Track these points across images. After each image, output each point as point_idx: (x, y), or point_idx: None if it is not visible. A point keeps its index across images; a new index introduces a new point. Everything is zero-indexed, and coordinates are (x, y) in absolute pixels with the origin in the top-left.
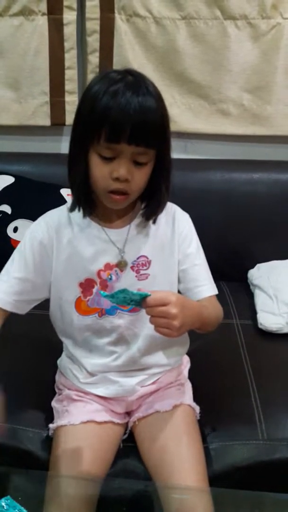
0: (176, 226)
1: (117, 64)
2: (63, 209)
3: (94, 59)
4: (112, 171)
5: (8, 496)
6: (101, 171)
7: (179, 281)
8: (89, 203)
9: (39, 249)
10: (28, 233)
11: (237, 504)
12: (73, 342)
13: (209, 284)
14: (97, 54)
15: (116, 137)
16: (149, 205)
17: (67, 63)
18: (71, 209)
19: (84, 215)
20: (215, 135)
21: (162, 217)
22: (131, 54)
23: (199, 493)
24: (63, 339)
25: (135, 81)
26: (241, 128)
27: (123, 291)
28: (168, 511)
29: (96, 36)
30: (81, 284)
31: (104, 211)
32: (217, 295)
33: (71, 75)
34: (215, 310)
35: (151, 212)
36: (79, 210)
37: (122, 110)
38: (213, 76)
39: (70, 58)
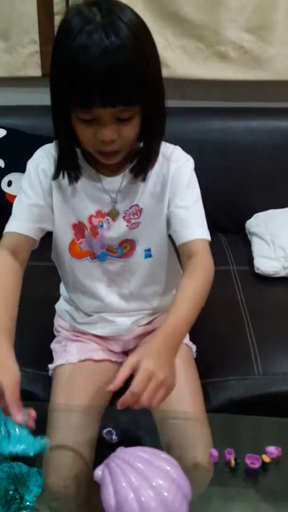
0: (170, 171)
1: None
2: None
3: None
4: (96, 133)
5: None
6: (85, 134)
7: (168, 226)
8: (75, 168)
9: (44, 177)
10: (30, 163)
11: (234, 429)
12: (68, 284)
13: (197, 227)
14: None
15: (87, 103)
16: (138, 163)
17: (56, 8)
18: (54, 177)
19: (70, 182)
20: (213, 81)
21: (157, 165)
22: None
23: (195, 419)
24: (62, 281)
25: (103, 24)
26: (241, 72)
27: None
28: (165, 438)
29: None
30: (74, 226)
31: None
32: (214, 247)
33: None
34: (199, 291)
35: (140, 170)
36: (63, 177)
37: (87, 71)
38: (210, 15)
39: (59, 2)
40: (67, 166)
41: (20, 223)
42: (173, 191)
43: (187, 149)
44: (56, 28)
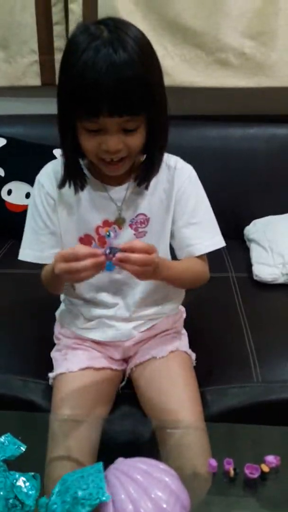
0: (175, 182)
1: (102, 13)
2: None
3: (76, 8)
4: (101, 143)
5: (8, 434)
6: (89, 144)
7: (171, 237)
8: (81, 176)
9: (48, 200)
10: (36, 183)
11: (233, 438)
12: (72, 293)
13: (201, 243)
14: (80, 1)
15: (94, 113)
16: (142, 171)
17: (55, 18)
18: (60, 186)
19: (76, 192)
20: (212, 88)
21: (163, 173)
22: (117, 0)
23: (194, 428)
24: (64, 290)
25: (111, 39)
26: (243, 80)
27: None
28: (164, 447)
29: None
30: (81, 239)
31: None
32: (213, 253)
33: (60, 31)
34: (191, 270)
35: (143, 179)
36: (69, 186)
37: (96, 83)
38: (210, 22)
39: (58, 12)
40: (73, 175)
41: (50, 254)
42: (180, 207)
43: (186, 156)
44: (55, 38)
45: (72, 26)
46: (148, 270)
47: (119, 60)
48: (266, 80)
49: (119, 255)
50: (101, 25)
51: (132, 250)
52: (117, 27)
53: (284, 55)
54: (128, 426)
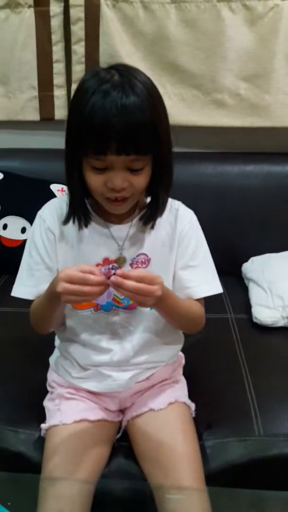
0: (177, 225)
1: (104, 54)
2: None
3: (79, 49)
4: (106, 181)
5: None
6: (95, 181)
7: (176, 282)
8: (86, 214)
9: (47, 235)
10: (37, 218)
11: (235, 503)
12: (67, 336)
13: (199, 286)
14: (83, 43)
15: (102, 150)
16: (147, 211)
17: (55, 56)
18: (65, 222)
19: (80, 228)
20: (208, 127)
21: (165, 215)
22: (118, 43)
23: (195, 493)
24: (57, 333)
25: (121, 83)
26: (238, 119)
27: None
28: (162, 510)
29: (81, 24)
30: None
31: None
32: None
33: (59, 68)
34: (189, 309)
35: (149, 218)
36: (73, 222)
37: (105, 124)
38: (207, 64)
39: (58, 51)
40: (78, 212)
41: (43, 288)
42: (181, 249)
43: (183, 192)
44: (55, 75)
45: (74, 66)
46: (147, 300)
47: (129, 103)
48: (259, 120)
49: (113, 278)
50: (112, 70)
51: (125, 277)
52: (128, 72)
53: (277, 97)
54: (124, 485)
